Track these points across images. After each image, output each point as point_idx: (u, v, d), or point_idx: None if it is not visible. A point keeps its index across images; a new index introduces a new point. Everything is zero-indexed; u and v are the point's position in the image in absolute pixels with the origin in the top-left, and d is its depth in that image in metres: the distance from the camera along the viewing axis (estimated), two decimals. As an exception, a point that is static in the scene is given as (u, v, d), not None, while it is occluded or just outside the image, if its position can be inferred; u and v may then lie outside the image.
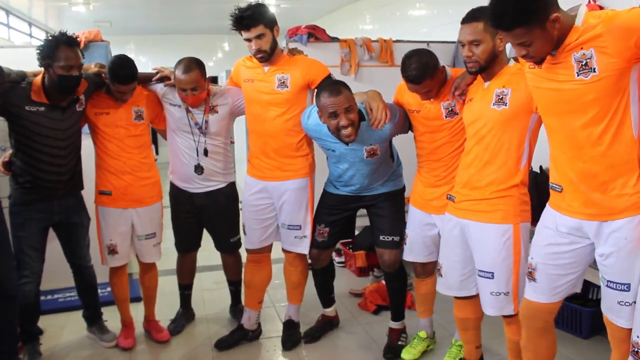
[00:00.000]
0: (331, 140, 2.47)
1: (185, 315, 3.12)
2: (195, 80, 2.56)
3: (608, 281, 1.69)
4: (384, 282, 3.34)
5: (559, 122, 1.71)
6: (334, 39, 3.78)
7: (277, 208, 2.71)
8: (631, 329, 1.66)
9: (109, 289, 2.99)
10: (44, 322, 2.89)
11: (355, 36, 3.82)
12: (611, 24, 1.53)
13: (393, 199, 2.63)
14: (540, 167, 2.76)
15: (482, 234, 2.08)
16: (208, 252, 3.20)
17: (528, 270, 1.90)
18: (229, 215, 2.90)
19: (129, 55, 2.60)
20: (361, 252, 3.87)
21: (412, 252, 2.56)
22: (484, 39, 1.95)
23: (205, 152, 2.73)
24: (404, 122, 2.45)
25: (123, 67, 2.53)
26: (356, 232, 3.88)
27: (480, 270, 2.11)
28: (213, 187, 2.80)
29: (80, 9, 7.37)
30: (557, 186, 1.78)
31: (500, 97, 2.00)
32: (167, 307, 3.16)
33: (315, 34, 3.68)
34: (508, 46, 2.00)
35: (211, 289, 3.66)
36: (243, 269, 2.95)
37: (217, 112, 2.72)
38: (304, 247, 2.74)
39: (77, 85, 2.44)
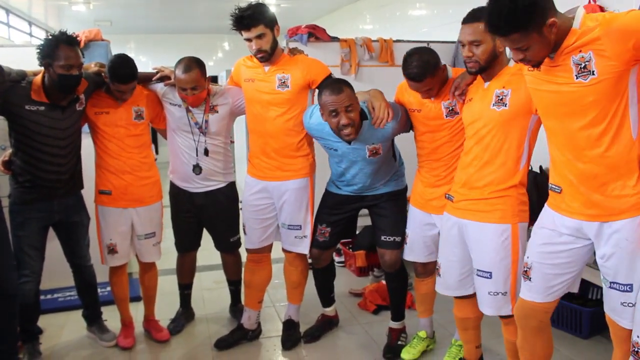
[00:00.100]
0: (333, 139, 2.47)
1: (185, 314, 3.12)
2: (195, 79, 2.56)
3: (611, 282, 1.69)
4: (383, 282, 3.35)
5: (558, 124, 1.72)
6: (334, 39, 3.78)
7: (278, 208, 2.71)
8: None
9: (108, 288, 2.99)
10: (43, 321, 2.89)
11: (356, 36, 3.82)
12: (609, 27, 1.53)
13: (395, 199, 2.62)
14: (540, 167, 2.76)
15: (481, 234, 2.08)
16: (208, 252, 3.20)
17: (523, 269, 1.90)
18: (228, 214, 2.90)
19: (129, 55, 2.60)
20: (361, 252, 3.87)
21: (413, 252, 2.56)
22: (485, 39, 1.95)
23: (206, 152, 2.73)
24: (406, 120, 2.45)
25: (123, 67, 2.53)
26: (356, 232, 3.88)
27: (478, 270, 2.11)
28: (213, 186, 2.80)
29: (81, 8, 7.36)
30: (556, 187, 1.78)
31: (500, 97, 2.00)
32: (167, 306, 3.16)
33: (315, 34, 3.68)
34: (508, 46, 2.00)
35: (211, 289, 3.66)
36: (243, 269, 2.95)
37: (217, 112, 2.72)
38: (304, 247, 2.74)
39: (77, 84, 2.43)
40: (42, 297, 2.92)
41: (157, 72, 2.76)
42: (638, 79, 1.60)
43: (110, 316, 2.98)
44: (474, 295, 2.21)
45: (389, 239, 2.60)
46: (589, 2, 2.94)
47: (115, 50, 3.14)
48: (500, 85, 2.01)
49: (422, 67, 2.17)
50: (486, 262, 2.08)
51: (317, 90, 2.51)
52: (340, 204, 2.67)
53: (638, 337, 1.61)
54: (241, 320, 2.91)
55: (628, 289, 1.65)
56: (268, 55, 2.51)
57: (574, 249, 1.77)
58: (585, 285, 2.91)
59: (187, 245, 2.99)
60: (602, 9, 2.85)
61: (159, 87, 2.75)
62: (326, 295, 2.95)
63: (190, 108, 2.69)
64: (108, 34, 3.71)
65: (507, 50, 2.04)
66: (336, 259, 4.03)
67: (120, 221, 2.72)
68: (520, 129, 2.00)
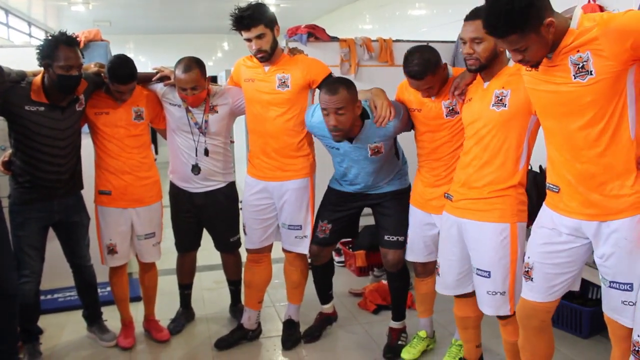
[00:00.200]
0: None
1: (185, 314, 3.13)
2: (195, 79, 2.56)
3: (611, 282, 1.70)
4: (383, 281, 3.35)
5: (556, 124, 1.72)
6: (334, 39, 3.78)
7: (278, 208, 2.71)
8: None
9: (108, 288, 2.99)
10: (44, 321, 2.89)
11: (355, 36, 3.82)
12: (607, 27, 1.53)
13: (399, 198, 2.61)
14: (540, 167, 2.76)
15: (480, 233, 2.09)
16: (208, 252, 3.20)
17: (525, 269, 1.90)
18: (228, 215, 2.90)
19: (129, 55, 2.60)
20: (361, 252, 3.87)
21: (413, 252, 2.56)
22: (486, 37, 1.93)
23: (206, 152, 2.73)
24: (407, 118, 2.45)
25: (122, 67, 2.53)
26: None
27: (477, 269, 2.12)
28: (213, 186, 2.81)
29: (80, 8, 7.36)
30: (554, 187, 1.79)
31: (500, 98, 2.00)
32: (167, 306, 3.16)
33: (315, 34, 3.68)
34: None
35: (211, 289, 3.66)
36: (243, 269, 2.95)
37: (217, 112, 2.72)
38: (304, 247, 2.74)
39: (76, 85, 2.43)
40: (42, 297, 2.92)
41: (157, 73, 2.76)
42: (636, 79, 1.60)
43: (111, 316, 2.98)
44: (474, 294, 2.21)
45: (392, 238, 2.60)
46: (589, 1, 2.95)
47: (114, 51, 3.14)
48: (500, 85, 2.01)
49: (423, 65, 2.17)
50: (485, 261, 2.08)
51: (317, 90, 2.51)
52: (343, 201, 2.67)
53: (639, 336, 1.61)
54: (241, 320, 2.91)
55: (628, 288, 1.66)
56: (268, 55, 2.51)
57: (573, 248, 1.78)
58: (585, 285, 2.91)
59: (187, 246, 2.99)
60: (601, 9, 2.86)
61: (159, 87, 2.75)
62: (325, 293, 2.95)
63: (190, 108, 2.69)
64: (107, 34, 3.71)
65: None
66: (336, 258, 4.03)
67: (120, 221, 2.72)
68: (519, 130, 2.00)
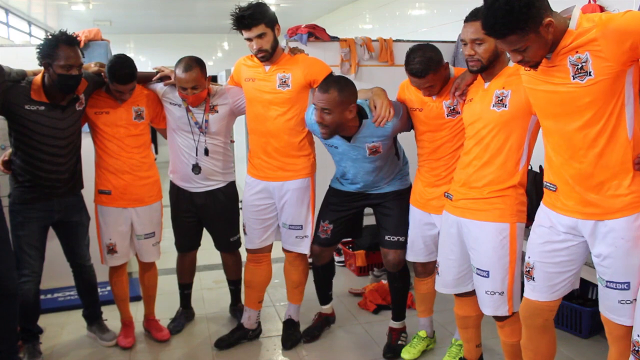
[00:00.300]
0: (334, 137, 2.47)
1: (185, 314, 3.13)
2: (195, 79, 2.56)
3: (607, 281, 1.70)
4: (383, 281, 3.36)
5: (554, 124, 1.72)
6: (334, 39, 3.78)
7: (279, 208, 2.71)
8: (630, 327, 1.68)
9: (108, 288, 2.99)
10: (44, 321, 2.89)
11: (355, 36, 3.83)
12: (606, 28, 1.53)
13: (400, 198, 2.61)
14: (540, 167, 2.76)
15: (479, 232, 2.09)
16: (208, 252, 3.20)
17: (526, 269, 1.91)
18: (228, 214, 2.90)
19: (129, 55, 2.60)
20: (361, 252, 3.87)
21: (413, 252, 2.56)
22: (487, 38, 1.93)
23: (206, 152, 2.73)
24: (407, 119, 2.45)
25: (122, 67, 2.53)
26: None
27: (477, 269, 2.12)
28: (213, 186, 2.81)
29: (80, 7, 7.36)
30: (551, 185, 1.79)
31: (500, 98, 2.00)
32: (167, 306, 3.16)
33: (315, 34, 3.68)
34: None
35: (211, 288, 3.66)
36: (243, 268, 2.95)
37: (217, 112, 2.72)
38: (304, 247, 2.74)
39: (77, 84, 2.43)
40: (42, 296, 2.93)
41: (157, 72, 2.76)
42: (634, 79, 1.61)
43: (111, 316, 2.98)
44: (474, 293, 2.21)
45: (393, 238, 2.60)
46: (589, 2, 2.95)
47: (114, 50, 3.15)
48: (500, 86, 2.01)
49: (425, 63, 2.17)
50: (484, 260, 2.08)
51: None
52: (344, 201, 2.67)
53: (638, 336, 1.62)
54: (241, 320, 2.91)
55: (625, 287, 1.67)
56: (269, 55, 2.51)
57: (572, 246, 1.78)
58: (585, 285, 2.92)
59: (187, 245, 2.99)
60: (602, 9, 2.86)
61: (159, 87, 2.75)
62: (324, 293, 2.95)
63: (190, 108, 2.69)
64: (107, 33, 3.71)
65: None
66: (336, 258, 4.03)
67: (119, 221, 2.72)
68: (520, 130, 2.00)
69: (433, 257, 2.49)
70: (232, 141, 2.95)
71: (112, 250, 2.74)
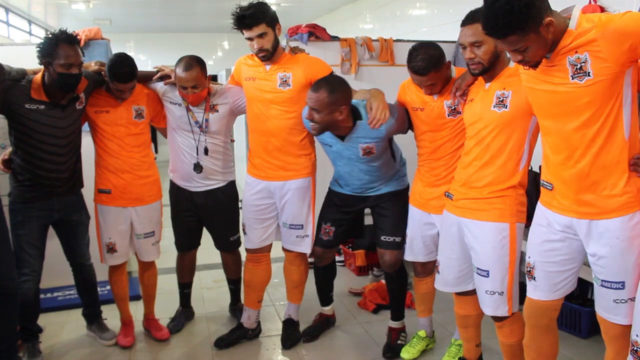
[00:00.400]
0: (327, 135, 2.48)
1: (185, 313, 3.13)
2: (195, 78, 2.56)
3: (603, 281, 1.72)
4: (383, 281, 3.35)
5: (552, 123, 1.73)
6: (335, 38, 3.78)
7: (279, 208, 2.71)
8: (626, 326, 1.69)
9: (108, 287, 2.99)
10: (43, 320, 2.89)
11: (356, 35, 3.83)
12: (605, 29, 1.53)
13: (396, 199, 2.61)
14: (540, 167, 2.76)
15: (479, 232, 2.09)
16: (208, 251, 3.20)
17: (527, 269, 1.91)
18: (228, 214, 2.90)
19: (129, 54, 2.60)
20: (361, 251, 3.88)
21: (412, 252, 2.56)
22: (486, 39, 1.94)
23: (206, 151, 2.72)
24: (403, 121, 2.45)
25: (122, 66, 2.53)
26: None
27: (477, 269, 2.12)
28: (213, 185, 2.81)
29: (80, 6, 7.35)
30: (548, 184, 1.80)
31: (501, 99, 2.00)
32: (166, 305, 3.16)
33: (315, 33, 3.68)
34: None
35: (211, 288, 3.66)
36: (243, 268, 2.95)
37: (217, 111, 2.72)
38: (305, 247, 2.74)
39: (77, 83, 2.43)
40: (42, 295, 2.92)
41: (158, 71, 2.76)
42: (633, 80, 1.61)
43: (110, 315, 2.98)
44: (474, 292, 2.21)
45: (389, 239, 2.60)
46: (590, 2, 2.95)
47: (114, 49, 3.14)
48: (501, 86, 2.01)
49: (427, 60, 2.17)
50: (484, 260, 2.08)
51: None
52: (344, 203, 2.68)
53: (637, 335, 1.62)
54: (241, 319, 2.91)
55: (620, 287, 1.68)
56: (270, 54, 2.51)
57: (570, 244, 1.79)
58: (584, 285, 2.92)
59: (186, 244, 2.99)
60: (602, 10, 2.86)
61: (159, 86, 2.75)
62: (326, 294, 2.96)
63: (191, 107, 2.69)
64: (107, 32, 3.71)
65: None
66: (336, 258, 4.02)
67: (119, 220, 2.72)
68: (520, 131, 2.00)
69: (432, 256, 2.49)
70: (232, 140, 2.95)
71: (111, 249, 2.74)
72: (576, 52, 1.58)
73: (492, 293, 2.09)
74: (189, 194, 2.81)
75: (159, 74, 2.74)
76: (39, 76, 2.44)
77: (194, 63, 2.57)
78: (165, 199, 2.87)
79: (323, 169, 2.76)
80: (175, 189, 2.86)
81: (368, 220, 2.83)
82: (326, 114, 2.33)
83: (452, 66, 2.32)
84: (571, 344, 2.81)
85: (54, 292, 3.44)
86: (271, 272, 2.90)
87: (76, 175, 2.65)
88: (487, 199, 2.07)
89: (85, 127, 2.69)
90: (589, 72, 1.57)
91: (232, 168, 2.93)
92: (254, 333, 2.91)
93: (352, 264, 3.94)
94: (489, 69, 2.02)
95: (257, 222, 2.74)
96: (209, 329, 3.06)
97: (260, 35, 2.44)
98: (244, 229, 2.81)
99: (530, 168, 2.17)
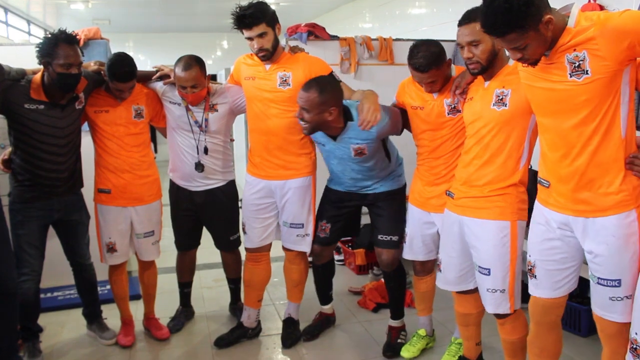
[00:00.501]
0: (320, 134, 2.49)
1: (185, 313, 3.13)
2: (195, 77, 2.56)
3: (599, 278, 1.72)
4: (383, 280, 3.36)
5: (550, 121, 1.73)
6: (334, 37, 3.78)
7: (279, 207, 2.71)
8: (623, 324, 1.69)
9: (108, 286, 2.99)
10: (44, 319, 2.90)
11: (355, 34, 3.83)
12: (604, 27, 1.53)
13: (392, 198, 2.62)
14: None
15: (480, 230, 2.09)
16: (207, 250, 3.20)
17: (528, 267, 1.92)
18: (228, 213, 2.90)
19: (128, 53, 2.59)
20: (360, 250, 3.88)
21: (412, 251, 2.56)
22: (483, 38, 1.94)
23: (206, 150, 2.73)
24: (397, 123, 2.44)
25: (122, 65, 2.52)
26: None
27: (479, 267, 2.12)
28: (213, 185, 2.81)
29: (79, 6, 7.35)
30: (545, 181, 1.81)
31: (500, 97, 2.00)
32: (166, 304, 3.16)
33: (315, 32, 3.68)
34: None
35: (211, 287, 3.66)
36: (242, 267, 2.95)
37: (216, 111, 2.72)
38: (305, 246, 2.74)
39: (76, 83, 2.43)
40: (42, 295, 2.92)
41: (157, 71, 2.76)
42: (630, 79, 1.61)
43: (110, 314, 2.99)
44: (475, 291, 2.21)
45: (386, 238, 2.60)
46: (589, 1, 2.95)
47: (114, 49, 3.14)
48: (501, 84, 2.01)
49: (428, 57, 2.17)
50: (485, 258, 2.09)
51: None
52: (340, 200, 2.68)
53: (636, 334, 1.62)
54: (241, 319, 2.91)
55: (616, 284, 1.68)
56: (270, 54, 2.51)
57: (568, 243, 1.79)
58: (584, 283, 2.91)
59: (186, 244, 2.99)
60: (601, 8, 2.86)
61: (159, 86, 2.75)
62: (325, 293, 2.96)
63: (190, 106, 2.69)
64: (106, 32, 3.70)
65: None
66: (336, 257, 4.03)
67: (119, 220, 2.72)
68: (520, 129, 2.00)
69: (432, 255, 2.49)
70: (232, 140, 2.95)
71: (111, 249, 2.74)
72: (575, 50, 1.58)
73: (493, 291, 2.09)
74: (189, 193, 2.81)
75: (158, 74, 2.74)
76: (38, 76, 2.44)
77: (193, 63, 2.57)
78: (165, 198, 2.87)
79: (323, 169, 2.76)
80: (175, 189, 2.86)
81: (366, 219, 2.83)
82: (315, 114, 2.34)
83: (452, 65, 2.32)
84: (571, 342, 2.81)
85: (54, 291, 3.44)
86: (271, 271, 2.90)
87: (76, 175, 2.65)
88: (487, 197, 2.07)
89: (85, 126, 2.69)
90: (587, 70, 1.57)
91: (232, 167, 2.93)
92: (254, 332, 2.91)
93: (352, 262, 3.94)
94: (488, 68, 2.02)
95: (257, 222, 2.74)
96: (209, 328, 3.06)
97: (260, 35, 2.44)
98: (243, 228, 2.82)
99: (530, 167, 2.17)
